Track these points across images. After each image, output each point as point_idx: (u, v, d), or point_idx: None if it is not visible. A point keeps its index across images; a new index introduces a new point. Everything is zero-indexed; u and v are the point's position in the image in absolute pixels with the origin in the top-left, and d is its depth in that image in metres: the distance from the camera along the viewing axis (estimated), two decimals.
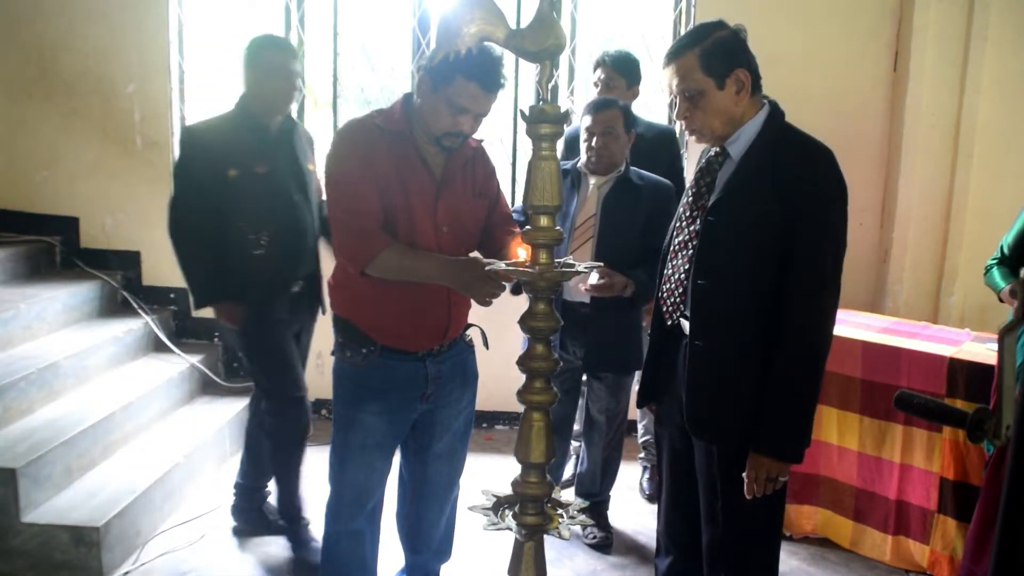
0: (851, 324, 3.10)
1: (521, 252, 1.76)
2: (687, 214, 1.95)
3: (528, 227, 1.68)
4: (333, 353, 2.25)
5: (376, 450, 2.21)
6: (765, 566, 2.01)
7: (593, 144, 2.81)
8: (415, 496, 2.38)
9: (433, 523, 2.40)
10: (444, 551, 2.49)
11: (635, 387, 3.53)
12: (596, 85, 3.30)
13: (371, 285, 2.06)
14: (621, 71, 3.25)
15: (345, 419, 2.20)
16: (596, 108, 2.84)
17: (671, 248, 1.99)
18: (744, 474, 1.86)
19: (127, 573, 2.78)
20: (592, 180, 2.88)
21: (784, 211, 1.78)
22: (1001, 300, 2.64)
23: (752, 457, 1.85)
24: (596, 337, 2.86)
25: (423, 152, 2.09)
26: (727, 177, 1.87)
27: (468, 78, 1.94)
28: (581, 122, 2.88)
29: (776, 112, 1.88)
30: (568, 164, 2.91)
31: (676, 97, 1.87)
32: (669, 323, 2.01)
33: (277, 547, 2.98)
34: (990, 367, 2.59)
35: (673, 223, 2.01)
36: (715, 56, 1.80)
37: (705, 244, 1.88)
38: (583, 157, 2.89)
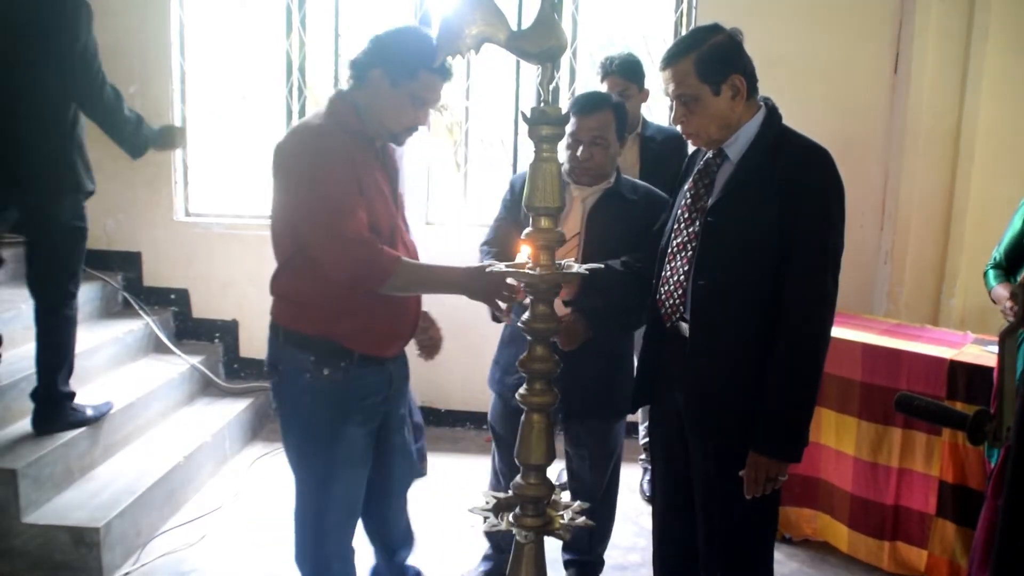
0: (851, 326, 3.10)
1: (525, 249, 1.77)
2: (685, 216, 1.96)
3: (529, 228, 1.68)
4: (298, 376, 2.07)
5: (361, 462, 2.16)
6: (761, 566, 2.03)
7: (578, 154, 2.36)
8: (381, 493, 2.35)
9: (400, 515, 2.41)
10: (411, 540, 2.49)
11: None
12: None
13: (359, 296, 2.00)
14: (630, 78, 3.21)
15: (328, 437, 2.09)
16: (585, 109, 2.37)
17: (669, 250, 2.00)
18: (743, 473, 1.87)
19: (127, 574, 2.78)
20: (576, 192, 2.42)
21: (784, 212, 1.80)
22: (994, 301, 2.63)
23: (751, 457, 1.85)
24: (575, 374, 2.19)
25: (377, 152, 2.08)
26: (726, 178, 1.89)
27: (431, 71, 1.93)
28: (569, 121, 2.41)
29: (774, 114, 1.90)
30: None
31: (673, 101, 1.89)
32: (668, 325, 2.01)
33: (278, 548, 2.98)
34: (990, 369, 2.59)
35: (671, 225, 2.02)
36: (711, 62, 1.81)
37: (705, 245, 1.89)
38: (564, 164, 2.41)
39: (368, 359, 2.09)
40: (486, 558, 2.81)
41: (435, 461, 3.83)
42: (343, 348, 2.04)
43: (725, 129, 1.87)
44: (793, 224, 1.79)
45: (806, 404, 1.87)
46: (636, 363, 2.26)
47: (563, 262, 1.77)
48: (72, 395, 3.03)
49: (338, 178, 1.91)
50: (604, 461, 2.58)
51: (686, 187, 2.00)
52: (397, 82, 1.94)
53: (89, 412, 3.07)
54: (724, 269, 1.86)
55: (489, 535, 2.77)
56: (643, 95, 3.28)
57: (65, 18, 2.69)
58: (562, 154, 2.41)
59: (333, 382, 2.04)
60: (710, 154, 1.96)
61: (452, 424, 4.30)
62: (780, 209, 1.80)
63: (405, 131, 2.03)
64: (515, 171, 4.19)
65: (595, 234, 2.40)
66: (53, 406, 2.93)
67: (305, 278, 2.00)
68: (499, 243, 2.51)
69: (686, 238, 1.94)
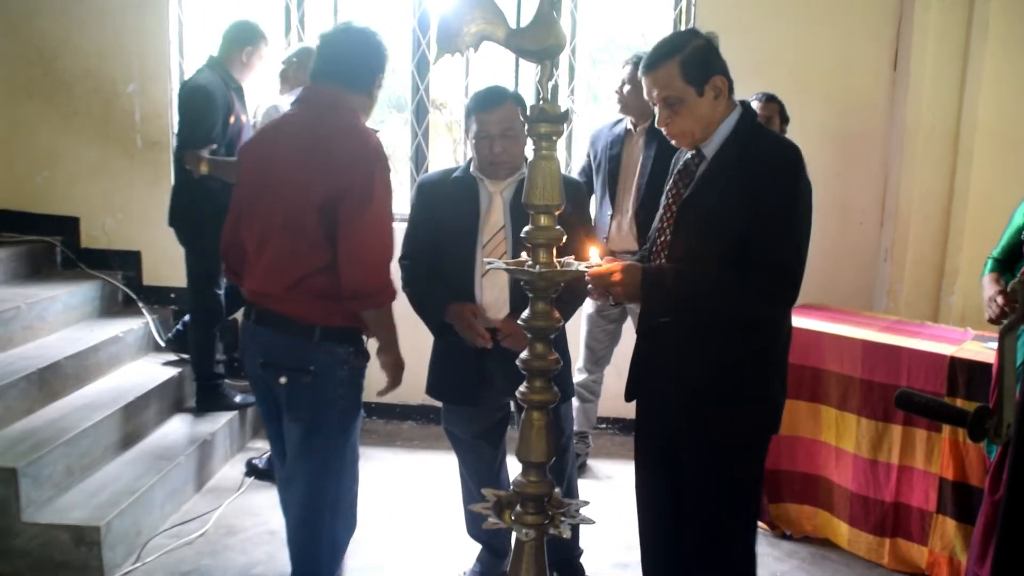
0: (851, 323, 3.10)
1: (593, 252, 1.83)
2: (666, 215, 2.01)
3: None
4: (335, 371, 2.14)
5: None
6: (742, 565, 2.05)
7: (494, 149, 2.38)
8: None
9: None
10: None
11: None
12: (622, 82, 3.30)
13: None
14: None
15: (352, 422, 2.20)
16: (488, 104, 2.38)
17: (653, 249, 2.04)
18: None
19: (128, 573, 2.78)
20: (492, 187, 2.46)
21: (747, 205, 1.82)
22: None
23: (625, 266, 1.84)
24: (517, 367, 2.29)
25: None
26: (699, 175, 1.95)
27: None
28: (469, 120, 2.45)
29: (747, 114, 1.95)
30: (459, 170, 2.53)
31: (656, 104, 1.94)
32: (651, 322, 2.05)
33: (278, 547, 2.98)
34: (991, 366, 2.59)
35: (655, 224, 2.06)
36: (694, 65, 1.87)
37: (674, 235, 1.95)
38: (476, 162, 2.48)
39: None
40: (479, 560, 2.82)
41: (432, 459, 3.83)
42: (361, 333, 2.17)
43: (708, 128, 1.92)
44: (757, 218, 1.81)
45: (681, 298, 1.87)
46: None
47: (564, 260, 1.77)
48: (222, 376, 3.73)
49: (390, 196, 2.09)
50: (562, 442, 2.58)
51: (668, 186, 2.05)
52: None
53: (237, 398, 3.72)
54: (693, 260, 1.90)
55: (480, 536, 2.77)
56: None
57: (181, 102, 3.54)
58: (473, 152, 2.47)
59: (363, 369, 2.18)
60: (689, 155, 2.00)
61: None
62: (745, 203, 1.82)
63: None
64: None
65: (520, 224, 2.34)
66: (207, 390, 3.68)
67: None
68: (419, 257, 2.51)
69: (667, 236, 2.00)
